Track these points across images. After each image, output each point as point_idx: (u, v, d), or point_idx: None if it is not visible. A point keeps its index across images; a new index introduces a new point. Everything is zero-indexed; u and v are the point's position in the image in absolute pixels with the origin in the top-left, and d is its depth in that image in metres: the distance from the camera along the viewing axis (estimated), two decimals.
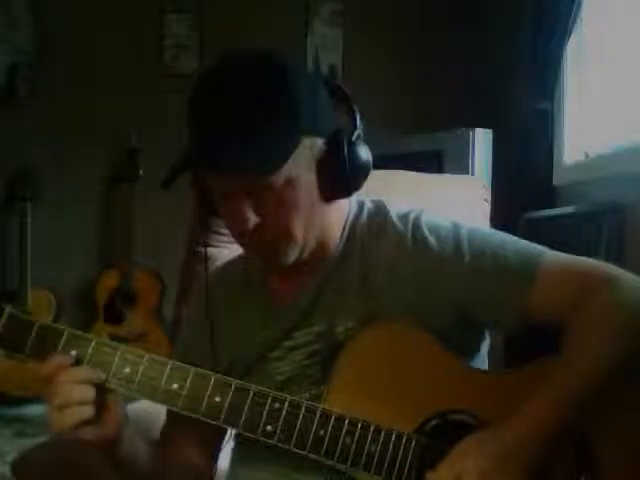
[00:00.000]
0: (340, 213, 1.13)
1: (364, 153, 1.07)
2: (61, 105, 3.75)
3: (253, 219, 1.02)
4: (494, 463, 0.95)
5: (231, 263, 1.26)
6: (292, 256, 1.07)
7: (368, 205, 1.17)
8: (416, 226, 1.11)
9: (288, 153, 0.99)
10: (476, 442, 0.97)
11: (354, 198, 1.16)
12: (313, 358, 1.10)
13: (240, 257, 1.25)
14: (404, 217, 1.13)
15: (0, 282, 3.73)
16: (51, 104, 3.74)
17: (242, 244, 1.11)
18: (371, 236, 1.12)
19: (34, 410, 3.55)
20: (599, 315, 1.01)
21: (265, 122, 0.99)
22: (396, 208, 1.16)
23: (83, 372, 0.99)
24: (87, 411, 0.97)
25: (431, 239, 1.09)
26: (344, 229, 1.13)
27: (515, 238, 1.11)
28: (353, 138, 1.06)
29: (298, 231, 1.05)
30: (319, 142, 1.04)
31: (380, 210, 1.15)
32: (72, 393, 0.97)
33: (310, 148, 1.03)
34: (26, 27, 3.77)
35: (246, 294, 1.18)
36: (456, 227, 1.11)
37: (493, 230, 1.15)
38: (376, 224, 1.14)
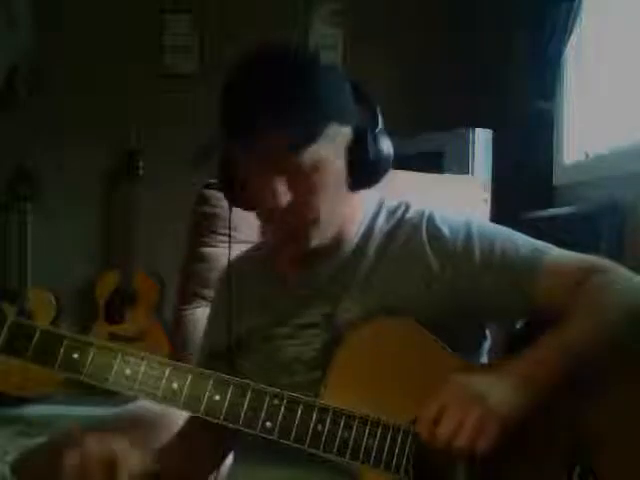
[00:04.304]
0: (360, 206, 1.18)
1: (387, 147, 1.11)
2: (61, 105, 3.74)
3: (285, 196, 1.04)
4: (480, 391, 0.96)
5: (243, 256, 1.30)
6: (314, 240, 1.10)
7: (389, 202, 1.21)
8: (430, 218, 1.16)
9: (320, 131, 1.03)
10: (465, 378, 1.00)
11: (375, 198, 1.20)
12: (316, 341, 1.12)
13: (252, 250, 1.29)
14: (419, 211, 1.18)
15: (0, 282, 3.73)
16: (51, 104, 3.74)
17: (268, 228, 1.14)
18: (388, 231, 1.17)
19: (34, 410, 3.55)
20: (595, 291, 1.05)
21: (299, 99, 1.03)
22: (415, 206, 1.20)
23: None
24: None
25: (444, 230, 1.14)
26: (362, 223, 1.17)
27: (521, 234, 1.15)
28: (377, 131, 1.10)
29: (324, 214, 1.08)
30: (346, 131, 1.08)
31: (400, 207, 1.20)
32: None
33: (338, 135, 1.07)
34: (26, 27, 3.77)
35: (261, 281, 1.22)
36: (467, 220, 1.16)
37: (499, 226, 1.18)
38: (394, 219, 1.18)
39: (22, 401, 3.57)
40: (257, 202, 1.10)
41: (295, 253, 1.15)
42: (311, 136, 1.03)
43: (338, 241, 1.15)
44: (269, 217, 1.10)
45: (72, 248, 3.80)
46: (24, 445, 2.74)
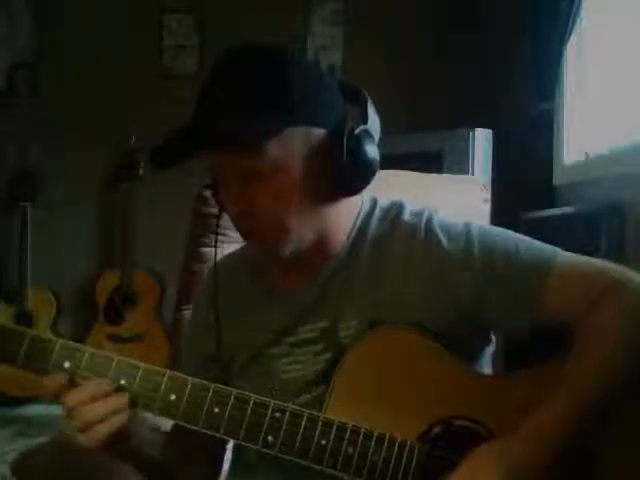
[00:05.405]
0: (349, 211, 1.12)
1: (369, 150, 1.03)
2: (61, 105, 3.75)
3: (242, 203, 1.01)
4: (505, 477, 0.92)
5: (232, 256, 1.24)
6: (286, 249, 1.04)
7: (382, 203, 1.15)
8: (428, 224, 1.10)
9: (273, 131, 0.97)
10: (485, 455, 0.95)
11: (367, 196, 1.14)
12: (317, 358, 1.09)
13: (242, 249, 1.24)
14: (417, 215, 1.12)
15: (0, 282, 3.73)
16: (51, 104, 3.74)
17: (240, 233, 1.09)
18: (382, 234, 1.11)
19: (34, 410, 3.55)
20: (611, 319, 0.99)
21: (253, 101, 0.98)
22: (410, 206, 1.14)
23: (88, 390, 0.97)
24: (104, 427, 0.96)
25: (443, 238, 1.08)
26: (353, 227, 1.11)
27: (526, 237, 1.10)
28: (356, 132, 1.02)
29: (290, 222, 1.02)
30: (317, 133, 1.02)
31: (393, 208, 1.14)
32: (85, 415, 0.96)
33: (305, 137, 1.01)
34: (26, 27, 3.78)
35: (249, 287, 1.17)
36: (467, 226, 1.10)
37: (503, 229, 1.12)
38: (388, 222, 1.12)
39: (22, 401, 3.57)
40: (225, 208, 1.07)
41: (272, 261, 1.10)
42: (263, 135, 0.96)
43: (326, 249, 1.09)
44: (234, 223, 1.06)
45: (72, 248, 3.81)
46: (24, 445, 2.74)
